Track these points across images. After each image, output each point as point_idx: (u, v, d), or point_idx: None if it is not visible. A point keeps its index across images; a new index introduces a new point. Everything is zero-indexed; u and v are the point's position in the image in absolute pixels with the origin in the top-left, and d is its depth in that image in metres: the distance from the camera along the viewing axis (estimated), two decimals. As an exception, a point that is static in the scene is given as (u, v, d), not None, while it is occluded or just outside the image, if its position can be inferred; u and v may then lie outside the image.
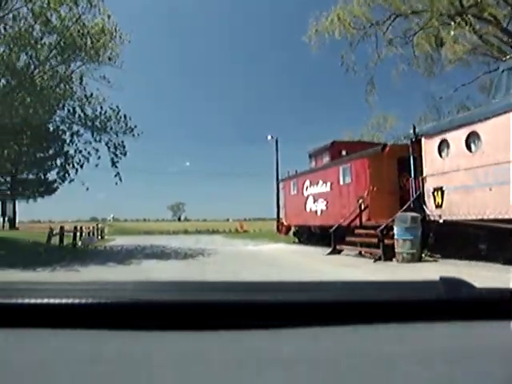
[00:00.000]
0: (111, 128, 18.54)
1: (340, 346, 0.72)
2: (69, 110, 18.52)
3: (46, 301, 0.76)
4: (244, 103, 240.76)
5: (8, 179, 35.63)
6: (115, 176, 18.49)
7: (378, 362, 0.67)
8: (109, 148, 18.65)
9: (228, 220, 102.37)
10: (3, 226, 32.64)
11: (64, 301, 0.76)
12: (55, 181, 37.77)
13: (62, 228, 17.33)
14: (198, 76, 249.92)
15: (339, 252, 15.01)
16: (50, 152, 20.81)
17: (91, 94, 18.82)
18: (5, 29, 17.23)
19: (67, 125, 18.74)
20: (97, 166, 18.67)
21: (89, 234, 26.08)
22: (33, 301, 0.76)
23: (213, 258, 14.91)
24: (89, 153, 18.49)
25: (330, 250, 15.16)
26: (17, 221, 35.08)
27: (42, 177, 36.94)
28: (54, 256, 13.97)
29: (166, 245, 22.49)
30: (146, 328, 0.73)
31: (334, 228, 15.55)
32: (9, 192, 35.69)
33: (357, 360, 0.67)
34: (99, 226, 34.04)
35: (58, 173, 19.66)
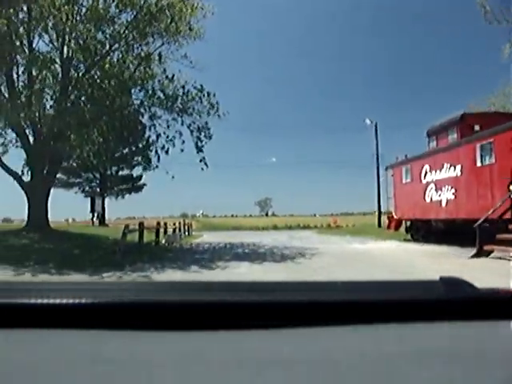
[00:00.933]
0: (193, 108, 16.42)
1: (340, 345, 0.73)
2: (147, 91, 16.65)
3: (46, 301, 0.77)
4: (333, 86, 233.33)
5: (97, 175, 35.66)
6: (200, 161, 16.47)
7: (378, 362, 0.67)
8: (192, 132, 16.59)
9: (315, 215, 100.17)
10: (93, 223, 32.37)
11: (64, 301, 0.76)
12: (141, 177, 38.31)
13: (141, 224, 15.41)
14: (284, 57, 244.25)
15: (487, 254, 11.38)
16: (130, 139, 19.12)
17: (173, 76, 16.83)
18: (80, 6, 15.73)
19: (146, 108, 16.90)
20: (182, 151, 16.71)
21: (174, 230, 24.38)
22: (33, 301, 0.77)
23: (317, 261, 12.08)
24: (170, 139, 16.55)
25: (472, 252, 11.57)
26: (106, 217, 34.79)
27: (128, 172, 36.78)
28: (130, 256, 12.02)
29: (257, 242, 20.34)
30: (146, 328, 0.74)
31: (479, 222, 11.85)
32: (98, 189, 35.64)
33: (357, 360, 0.68)
34: (186, 221, 32.58)
35: (142, 159, 18.03)
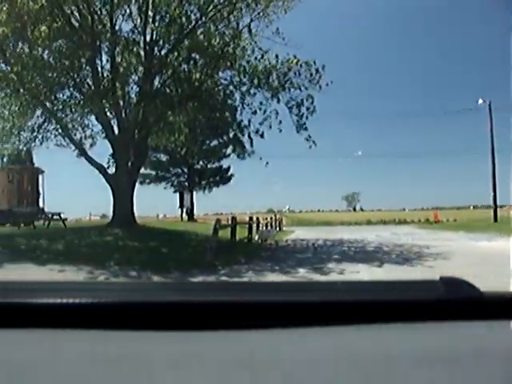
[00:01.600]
0: (291, 82, 14.38)
1: (340, 346, 0.73)
2: (239, 68, 14.90)
3: (45, 301, 0.77)
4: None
5: (185, 170, 35.08)
6: (307, 140, 14.52)
7: (378, 362, 0.67)
8: (290, 109, 14.56)
9: (404, 209, 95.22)
10: (181, 218, 31.76)
11: (64, 301, 0.77)
12: (228, 169, 37.30)
13: (233, 219, 13.81)
14: (379, 39, 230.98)
15: None
16: (220, 126, 17.59)
17: (265, 52, 14.92)
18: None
19: (238, 87, 15.19)
20: (280, 131, 14.77)
21: (266, 225, 22.64)
22: (33, 301, 0.78)
23: (453, 264, 9.48)
24: (265, 118, 14.69)
25: None
26: (195, 212, 34.09)
27: (217, 165, 35.81)
28: (222, 255, 10.33)
29: (360, 239, 17.90)
30: (146, 328, 0.74)
31: None
32: (186, 183, 35.04)
33: (357, 360, 0.68)
34: (277, 216, 30.81)
35: (234, 146, 16.44)
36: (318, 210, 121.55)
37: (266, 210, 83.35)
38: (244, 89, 15.17)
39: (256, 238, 17.67)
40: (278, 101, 14.77)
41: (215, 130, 20.29)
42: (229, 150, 31.56)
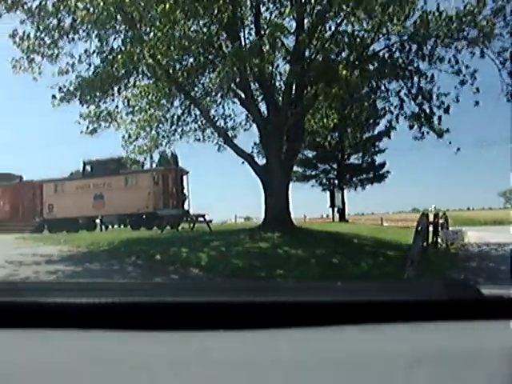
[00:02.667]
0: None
1: (340, 346, 0.73)
2: (421, 17, 11.18)
3: (46, 301, 0.78)
4: None
5: (334, 166, 31.82)
6: None
7: (378, 363, 0.68)
8: (503, 64, 10.45)
9: None
10: (333, 219, 28.55)
11: (64, 301, 0.78)
12: (383, 164, 33.16)
13: (424, 217, 10.02)
14: None
15: None
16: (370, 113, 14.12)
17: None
18: None
19: (416, 40, 11.46)
20: (477, 104, 10.75)
21: (441, 226, 18.25)
22: (33, 301, 0.79)
23: None
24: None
25: None
26: (346, 213, 30.61)
27: (369, 160, 31.90)
28: (426, 269, 6.81)
29: None
30: (146, 328, 0.74)
31: None
32: (336, 181, 31.73)
33: (357, 360, 0.68)
34: (441, 215, 25.75)
35: (419, 116, 12.69)
36: (468, 209, 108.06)
37: (411, 209, 75.80)
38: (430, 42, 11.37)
39: (439, 240, 14.01)
40: (482, 54, 10.73)
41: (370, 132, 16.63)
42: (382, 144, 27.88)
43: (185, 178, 23.19)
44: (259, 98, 13.30)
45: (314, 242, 10.30)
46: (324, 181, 32.40)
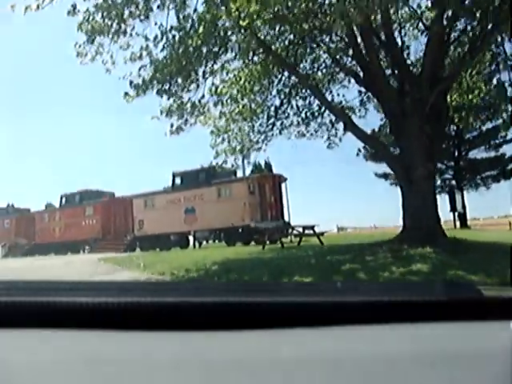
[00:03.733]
0: None
1: (340, 346, 0.74)
2: None
3: (46, 300, 0.78)
4: None
5: (451, 164, 27.53)
6: None
7: (378, 363, 0.68)
8: None
9: None
10: (454, 225, 24.34)
11: (64, 300, 0.78)
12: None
13: None
14: None
15: None
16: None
17: None
18: None
19: None
20: None
21: None
22: (33, 300, 0.79)
23: None
24: None
25: None
26: (467, 217, 26.16)
27: (494, 154, 27.18)
28: None
29: None
30: (146, 328, 0.75)
31: None
32: (454, 181, 27.39)
33: (357, 360, 0.69)
34: None
35: None
36: None
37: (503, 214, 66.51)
38: None
39: None
40: None
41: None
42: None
43: (283, 185, 20.60)
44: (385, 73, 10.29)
45: (471, 259, 7.03)
46: (439, 182, 28.13)
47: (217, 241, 21.80)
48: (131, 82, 9.49)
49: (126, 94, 9.63)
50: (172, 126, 10.48)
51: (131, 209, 22.64)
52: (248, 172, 21.28)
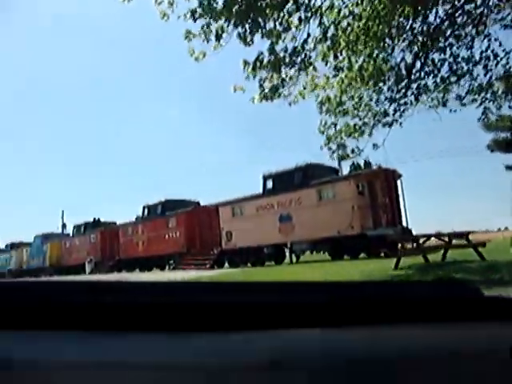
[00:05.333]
0: None
1: (340, 346, 0.74)
2: None
3: (45, 300, 0.79)
4: None
5: None
6: None
7: (378, 363, 0.69)
8: None
9: None
10: None
11: (64, 300, 0.79)
12: None
13: None
14: None
15: None
16: None
17: None
18: None
19: None
20: None
21: None
22: (33, 300, 0.79)
23: None
24: None
25: None
26: None
27: None
28: None
29: None
30: (146, 329, 0.76)
31: None
32: None
33: (357, 360, 0.70)
34: None
35: None
36: None
37: None
38: None
39: None
40: None
41: None
42: None
43: (398, 183, 16.73)
44: None
45: None
46: None
47: (313, 252, 18.49)
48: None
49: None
50: (263, 90, 7.37)
51: (217, 218, 19.93)
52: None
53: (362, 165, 23.44)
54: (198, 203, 23.45)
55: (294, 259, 18.26)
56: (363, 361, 0.69)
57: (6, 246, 41.47)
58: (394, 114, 8.58)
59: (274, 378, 0.66)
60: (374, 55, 8.01)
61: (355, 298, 0.85)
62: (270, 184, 18.44)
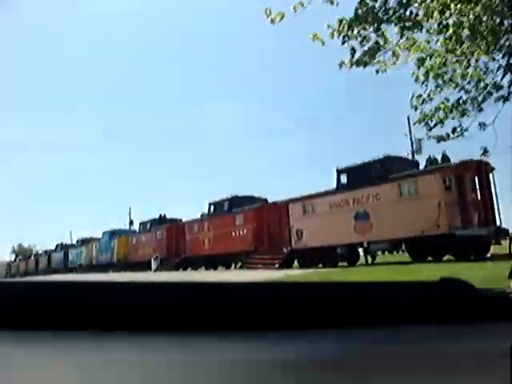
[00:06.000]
0: None
1: (340, 346, 0.75)
2: None
3: (45, 300, 0.79)
4: None
5: None
6: None
7: (378, 363, 0.70)
8: None
9: None
10: None
11: (64, 300, 0.79)
12: None
13: None
14: None
15: None
16: None
17: None
18: None
19: None
20: None
21: None
22: (33, 300, 0.79)
23: None
24: None
25: None
26: None
27: None
28: None
29: None
30: (146, 329, 0.75)
31: None
32: None
33: (356, 361, 0.70)
34: None
35: None
36: None
37: None
38: None
39: None
40: None
41: None
42: None
43: (491, 176, 15.00)
44: None
45: None
46: None
47: (384, 252, 17.11)
48: None
49: None
50: (352, 57, 6.34)
51: (287, 216, 18.99)
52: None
53: (438, 159, 21.59)
54: (266, 200, 22.66)
55: (370, 259, 17.04)
56: (363, 360, 0.70)
57: (77, 241, 43.05)
58: (509, 87, 7.21)
59: (273, 377, 0.66)
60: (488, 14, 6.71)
61: (353, 298, 0.84)
62: (344, 178, 17.24)
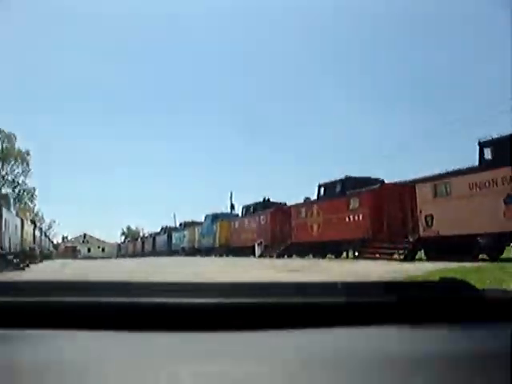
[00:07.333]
0: None
1: (340, 346, 0.75)
2: None
3: (45, 300, 0.79)
4: None
5: None
6: None
7: (377, 363, 0.70)
8: None
9: None
10: None
11: (64, 300, 0.79)
12: None
13: None
14: None
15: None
16: None
17: None
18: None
19: None
20: None
21: None
22: (33, 300, 0.80)
23: None
24: None
25: None
26: None
27: None
28: None
29: None
30: (146, 328, 0.76)
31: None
32: None
33: (357, 361, 0.70)
34: None
35: None
36: None
37: None
38: None
39: None
40: None
41: None
42: None
43: None
44: None
45: None
46: None
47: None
48: None
49: None
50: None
51: (413, 199, 16.40)
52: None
53: None
54: (383, 181, 20.14)
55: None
56: (363, 360, 0.69)
57: (180, 224, 43.57)
58: None
59: (274, 377, 0.66)
60: None
61: (354, 298, 0.84)
62: (488, 153, 14.27)
